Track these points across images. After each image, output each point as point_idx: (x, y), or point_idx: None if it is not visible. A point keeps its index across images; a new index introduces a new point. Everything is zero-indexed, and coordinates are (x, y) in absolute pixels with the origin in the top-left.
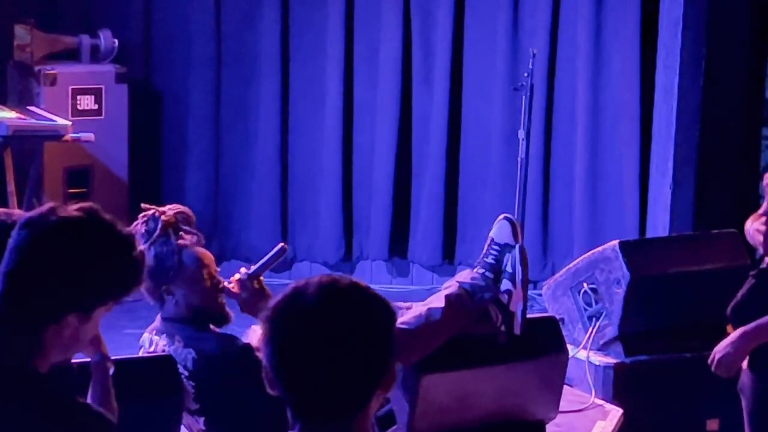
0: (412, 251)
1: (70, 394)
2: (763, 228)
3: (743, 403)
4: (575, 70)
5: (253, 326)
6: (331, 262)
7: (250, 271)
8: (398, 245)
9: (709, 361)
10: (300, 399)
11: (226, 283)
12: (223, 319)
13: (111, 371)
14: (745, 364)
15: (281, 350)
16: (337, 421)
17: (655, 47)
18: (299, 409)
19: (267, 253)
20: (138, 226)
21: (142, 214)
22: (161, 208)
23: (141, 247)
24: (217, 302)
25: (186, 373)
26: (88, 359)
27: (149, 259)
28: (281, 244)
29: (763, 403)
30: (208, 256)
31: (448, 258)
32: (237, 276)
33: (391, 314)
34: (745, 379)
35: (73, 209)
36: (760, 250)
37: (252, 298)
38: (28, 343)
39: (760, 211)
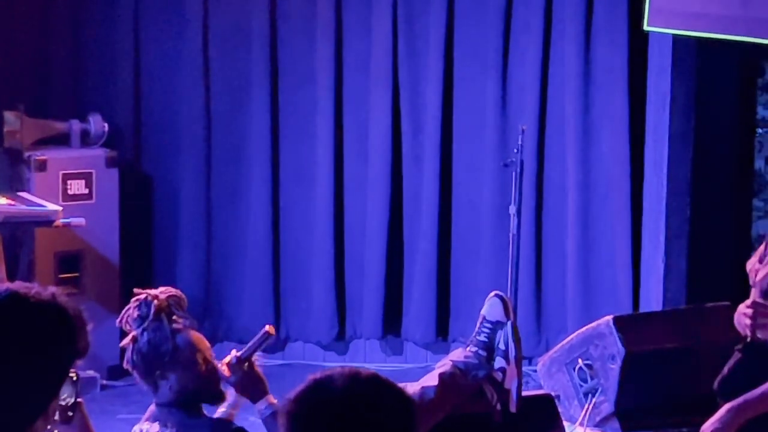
0: (405, 329)
1: None
2: (749, 312)
3: None
4: (564, 146)
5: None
6: (325, 341)
7: (239, 355)
8: (391, 323)
9: None
10: None
11: (219, 366)
12: (218, 397)
13: None
14: None
15: None
16: None
17: (644, 121)
18: None
19: (254, 336)
20: (130, 311)
21: (134, 299)
22: (153, 292)
23: (134, 332)
24: (212, 383)
25: None
26: None
27: (142, 345)
28: (266, 327)
29: None
30: (202, 339)
31: (442, 335)
32: (227, 359)
33: (411, 405)
34: None
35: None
36: (746, 333)
37: (243, 380)
38: None
39: (749, 300)
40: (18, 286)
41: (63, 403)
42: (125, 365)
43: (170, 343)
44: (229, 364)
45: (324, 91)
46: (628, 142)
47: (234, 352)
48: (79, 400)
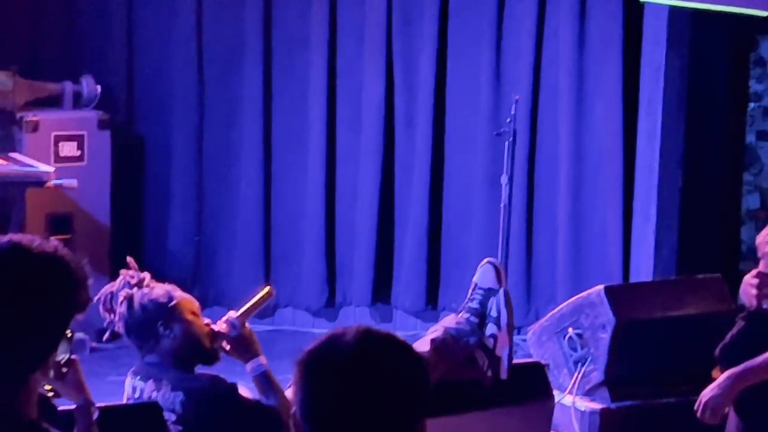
0: (395, 297)
1: None
2: (755, 282)
3: None
4: (558, 116)
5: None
6: (314, 308)
7: (239, 312)
8: (381, 291)
9: (696, 406)
10: None
11: (214, 326)
12: (214, 356)
13: (95, 416)
14: (731, 410)
15: (317, 398)
16: None
17: (638, 93)
18: None
19: (253, 296)
20: (119, 281)
21: (122, 271)
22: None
23: (128, 291)
24: (209, 341)
25: (173, 418)
26: (72, 406)
27: (143, 299)
28: (268, 287)
29: None
30: (195, 301)
31: (432, 303)
32: (225, 317)
33: (425, 366)
34: (731, 426)
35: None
36: (752, 304)
37: (240, 339)
38: (15, 390)
39: (755, 271)
40: (21, 237)
41: (58, 359)
42: (117, 325)
43: (171, 296)
44: (228, 322)
45: (318, 56)
46: (622, 113)
47: (232, 313)
48: (73, 357)
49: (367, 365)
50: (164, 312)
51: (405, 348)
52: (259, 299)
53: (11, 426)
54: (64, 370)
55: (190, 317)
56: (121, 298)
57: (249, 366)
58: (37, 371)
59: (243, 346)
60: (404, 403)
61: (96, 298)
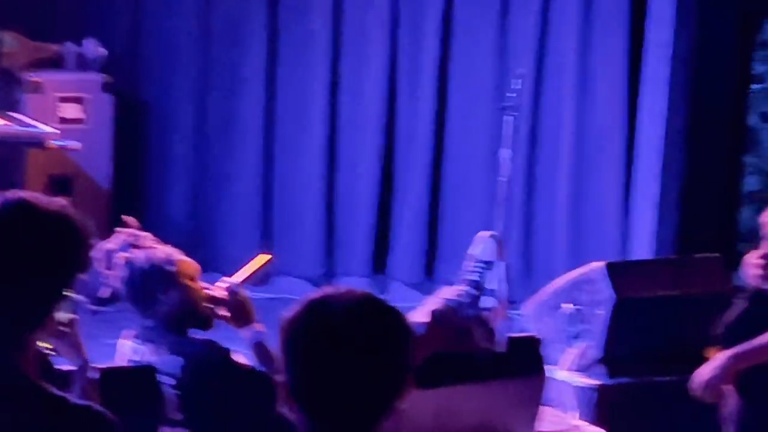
0: (393, 268)
1: (67, 397)
2: (760, 262)
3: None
4: (561, 92)
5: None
6: (312, 277)
7: (237, 279)
8: (379, 262)
9: (692, 384)
10: (319, 410)
11: (211, 291)
12: (209, 321)
13: (93, 377)
14: (731, 391)
15: (304, 361)
16: None
17: (642, 71)
18: (316, 422)
19: (251, 262)
20: (117, 239)
21: (117, 229)
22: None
23: (126, 254)
24: (205, 307)
25: (172, 381)
26: (70, 366)
27: (143, 262)
28: (268, 255)
29: (750, 429)
30: (195, 265)
31: (429, 275)
32: (223, 283)
33: (411, 329)
34: (731, 406)
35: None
36: (755, 284)
37: (237, 305)
38: (16, 348)
39: (759, 251)
40: (28, 194)
41: (61, 318)
42: (117, 285)
43: (172, 261)
44: (227, 288)
45: (322, 27)
46: (626, 91)
47: (226, 279)
48: (73, 317)
49: (355, 327)
50: (162, 276)
51: (388, 308)
52: (257, 266)
53: (11, 384)
54: (64, 329)
55: (188, 282)
56: (121, 259)
57: (246, 333)
58: (38, 330)
59: (240, 312)
60: (393, 364)
61: (92, 255)
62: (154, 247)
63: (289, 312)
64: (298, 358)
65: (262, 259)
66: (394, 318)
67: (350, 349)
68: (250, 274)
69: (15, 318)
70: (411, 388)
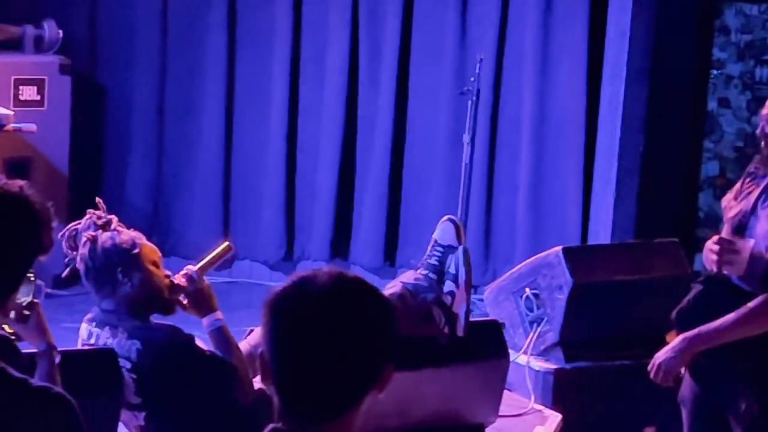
0: (353, 253)
1: (28, 379)
2: (716, 248)
3: (684, 414)
4: (522, 77)
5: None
6: (272, 261)
7: (198, 266)
8: (340, 247)
9: (649, 367)
10: (296, 391)
11: (173, 278)
12: (171, 307)
13: (57, 360)
14: (686, 374)
15: (283, 337)
16: (330, 418)
17: (602, 57)
18: (292, 403)
19: (212, 250)
20: (85, 221)
21: (89, 211)
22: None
23: (93, 233)
24: (167, 292)
25: (129, 366)
26: (34, 349)
27: (105, 243)
28: (226, 243)
29: (704, 412)
30: (158, 251)
31: (390, 260)
32: (184, 271)
33: (393, 311)
34: (686, 389)
35: None
36: (713, 269)
37: (198, 293)
38: None
39: (717, 236)
40: None
41: (20, 302)
42: (78, 264)
43: (136, 243)
44: (187, 276)
45: (282, 11)
46: (586, 76)
47: (190, 267)
48: (35, 300)
49: (336, 306)
50: (126, 258)
51: (373, 291)
52: (217, 254)
53: None
54: (27, 313)
55: (150, 267)
56: (84, 239)
57: (205, 321)
58: None
59: (200, 300)
60: (373, 346)
61: (60, 234)
62: (119, 230)
63: (276, 287)
64: (276, 333)
65: (222, 247)
66: (379, 303)
67: (324, 328)
68: (211, 262)
69: None
70: (391, 374)
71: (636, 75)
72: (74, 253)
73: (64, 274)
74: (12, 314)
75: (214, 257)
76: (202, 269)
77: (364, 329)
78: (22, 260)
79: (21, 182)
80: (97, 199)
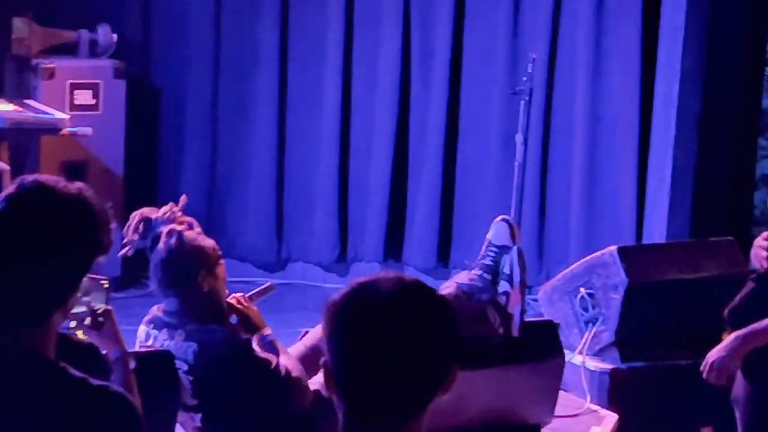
0: (406, 254)
1: (87, 378)
2: (765, 245)
3: (737, 414)
4: (575, 76)
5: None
6: (326, 262)
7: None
8: (393, 248)
9: (702, 367)
10: (364, 399)
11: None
12: (226, 319)
13: (132, 366)
14: (739, 373)
15: (351, 346)
16: (401, 423)
17: (656, 55)
18: (362, 410)
19: (257, 287)
20: (168, 213)
21: (172, 205)
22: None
23: (178, 226)
24: (224, 301)
25: (185, 368)
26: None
27: (194, 242)
28: (270, 283)
29: (759, 412)
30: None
31: (443, 261)
32: (231, 297)
33: (454, 313)
34: (738, 388)
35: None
36: (762, 266)
37: (248, 313)
38: (35, 330)
39: (766, 233)
40: (46, 178)
41: (94, 309)
42: (153, 256)
43: (216, 252)
44: (236, 298)
45: (335, 11)
46: (639, 74)
47: (235, 296)
48: (109, 307)
49: (403, 312)
50: (210, 262)
51: (435, 294)
52: (260, 291)
53: (32, 366)
54: (101, 320)
55: (221, 276)
56: (168, 230)
57: (255, 338)
58: (57, 312)
59: (249, 321)
60: (440, 350)
61: (132, 215)
62: (200, 233)
63: (335, 295)
64: (341, 342)
65: (266, 285)
66: (441, 307)
67: (394, 334)
68: (253, 297)
69: (35, 301)
70: (456, 374)
71: (690, 73)
72: (135, 236)
73: (121, 253)
74: (87, 321)
75: (257, 293)
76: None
77: (431, 333)
78: (82, 261)
79: (80, 184)
80: (184, 196)
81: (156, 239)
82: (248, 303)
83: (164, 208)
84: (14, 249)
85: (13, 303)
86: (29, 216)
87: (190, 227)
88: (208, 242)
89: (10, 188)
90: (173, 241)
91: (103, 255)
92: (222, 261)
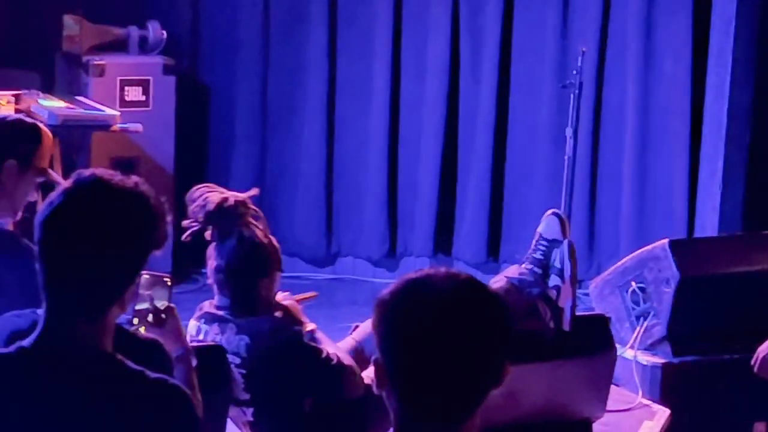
0: (456, 248)
1: (145, 371)
2: None
3: None
4: (625, 69)
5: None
6: (375, 257)
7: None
8: (443, 242)
9: (753, 361)
10: (420, 395)
11: None
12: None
13: (194, 364)
14: None
15: (406, 343)
16: (458, 420)
17: (707, 46)
18: (419, 408)
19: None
20: (244, 202)
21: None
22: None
23: (256, 222)
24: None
25: (238, 361)
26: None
27: (264, 238)
28: (314, 293)
29: None
30: None
31: (493, 256)
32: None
33: (507, 308)
34: None
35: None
36: None
37: (290, 308)
38: (93, 323)
39: None
40: (103, 172)
41: (158, 306)
42: (230, 255)
43: (277, 250)
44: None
45: (384, 6)
46: (690, 66)
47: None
48: (171, 305)
49: (458, 309)
50: (275, 266)
51: (489, 289)
52: (303, 298)
53: (90, 358)
54: (164, 317)
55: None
56: (244, 223)
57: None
58: (114, 306)
59: (294, 317)
60: (494, 345)
61: (193, 194)
62: (267, 230)
63: (386, 291)
64: (395, 341)
65: (309, 294)
66: (495, 303)
67: (450, 332)
68: (297, 301)
69: (92, 294)
70: (508, 370)
71: (742, 64)
72: (197, 222)
73: (184, 237)
74: (150, 318)
75: (299, 300)
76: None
77: (485, 330)
78: (138, 254)
79: (136, 178)
80: (255, 189)
81: (224, 233)
82: (292, 299)
83: (234, 197)
84: (72, 242)
85: (71, 296)
86: (87, 209)
87: (256, 219)
88: (274, 244)
89: (67, 182)
90: (246, 242)
91: (159, 248)
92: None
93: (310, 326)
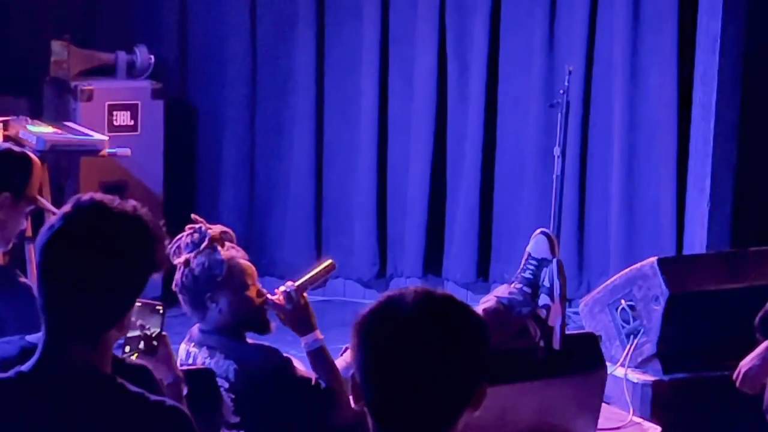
0: (446, 269)
1: (145, 393)
2: None
3: None
4: (611, 87)
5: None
6: (365, 279)
7: (298, 284)
8: (432, 263)
9: (735, 375)
10: (390, 413)
11: (270, 296)
12: (265, 327)
13: (185, 392)
14: None
15: (375, 359)
16: None
17: (693, 64)
18: (389, 425)
19: (313, 268)
20: (184, 238)
21: (189, 226)
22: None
23: (187, 255)
24: (261, 311)
25: (226, 385)
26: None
27: (195, 267)
28: (330, 261)
29: None
30: (252, 268)
31: (483, 275)
32: (282, 288)
33: (486, 329)
34: None
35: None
36: None
37: (296, 311)
38: (92, 346)
39: None
40: (102, 196)
41: (149, 333)
42: (174, 288)
43: (222, 268)
44: (285, 293)
45: (370, 27)
46: (677, 85)
47: (289, 283)
48: (163, 333)
49: (427, 326)
50: (213, 284)
51: (465, 308)
52: (319, 271)
53: (89, 381)
54: (155, 344)
55: (245, 286)
56: (177, 262)
57: (304, 341)
58: (113, 329)
59: (298, 319)
60: (466, 365)
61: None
62: (214, 249)
63: (363, 310)
64: (365, 355)
65: (325, 264)
66: (469, 322)
67: (418, 349)
68: (311, 279)
69: (92, 317)
70: (485, 392)
71: (728, 81)
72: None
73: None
74: (141, 345)
75: (315, 274)
76: (302, 287)
77: (456, 349)
78: (138, 277)
79: (134, 202)
80: (193, 216)
81: (187, 261)
82: (299, 295)
83: (183, 234)
84: (72, 266)
85: (70, 320)
86: (87, 233)
87: (200, 244)
88: (215, 259)
89: (66, 206)
90: (180, 274)
91: (158, 272)
92: (237, 267)
93: (318, 335)
